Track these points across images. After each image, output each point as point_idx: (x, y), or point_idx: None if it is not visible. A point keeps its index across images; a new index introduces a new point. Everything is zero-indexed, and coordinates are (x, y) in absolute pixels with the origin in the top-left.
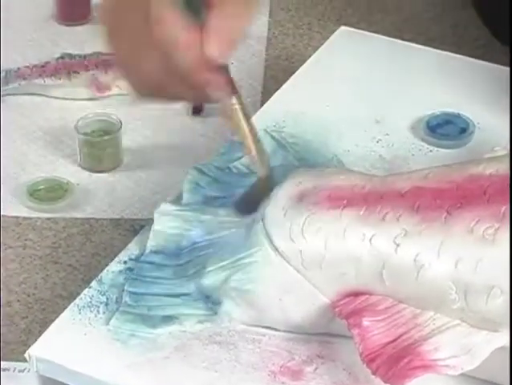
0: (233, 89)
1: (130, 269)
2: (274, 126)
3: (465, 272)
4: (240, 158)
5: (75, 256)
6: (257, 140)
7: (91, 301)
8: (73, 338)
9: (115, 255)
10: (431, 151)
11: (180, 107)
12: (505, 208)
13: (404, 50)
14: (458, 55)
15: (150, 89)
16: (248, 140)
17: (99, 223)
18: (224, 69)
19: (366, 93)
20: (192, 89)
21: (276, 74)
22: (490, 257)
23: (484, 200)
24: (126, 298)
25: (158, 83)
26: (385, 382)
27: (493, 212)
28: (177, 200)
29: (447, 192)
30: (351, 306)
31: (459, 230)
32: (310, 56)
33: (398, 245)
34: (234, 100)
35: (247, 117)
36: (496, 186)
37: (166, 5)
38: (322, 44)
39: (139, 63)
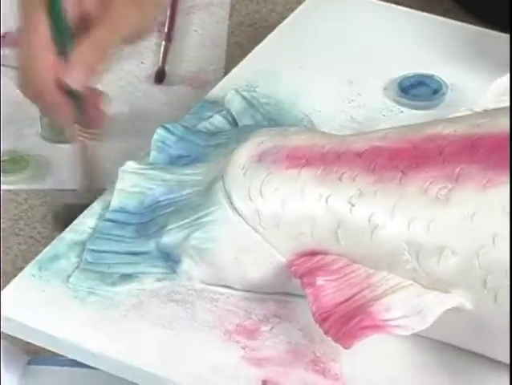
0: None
1: (93, 228)
2: (246, 86)
3: (418, 232)
4: (210, 117)
5: (37, 228)
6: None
7: (51, 259)
8: (32, 295)
9: None
10: (402, 112)
11: (142, 76)
12: (460, 168)
13: (379, 11)
14: (433, 16)
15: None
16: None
17: (60, 194)
18: (80, 97)
19: (340, 54)
20: (44, 106)
21: (240, 40)
22: (443, 218)
23: (439, 160)
24: (86, 256)
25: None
26: (335, 341)
27: (447, 172)
28: (145, 159)
29: (404, 152)
30: (306, 266)
31: (413, 191)
32: (274, 22)
33: (353, 205)
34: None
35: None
36: (453, 146)
37: (36, 23)
38: (286, 9)
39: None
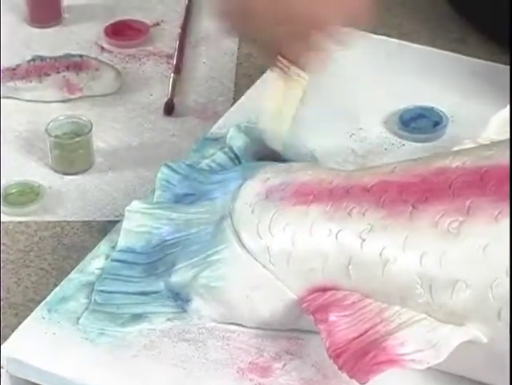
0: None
1: (100, 268)
2: (248, 122)
3: (430, 266)
4: (212, 155)
5: (47, 259)
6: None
7: (60, 300)
8: (43, 338)
9: None
10: (403, 145)
11: (152, 108)
12: (470, 201)
13: (379, 44)
14: (433, 49)
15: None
16: (280, 112)
17: (70, 226)
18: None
19: (340, 87)
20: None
21: (248, 71)
22: (454, 251)
23: (449, 193)
24: (96, 297)
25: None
26: (351, 377)
27: (457, 205)
28: (149, 197)
29: (413, 185)
30: (318, 302)
31: (424, 224)
32: None
33: (364, 240)
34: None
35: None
36: (462, 179)
37: None
38: None
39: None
